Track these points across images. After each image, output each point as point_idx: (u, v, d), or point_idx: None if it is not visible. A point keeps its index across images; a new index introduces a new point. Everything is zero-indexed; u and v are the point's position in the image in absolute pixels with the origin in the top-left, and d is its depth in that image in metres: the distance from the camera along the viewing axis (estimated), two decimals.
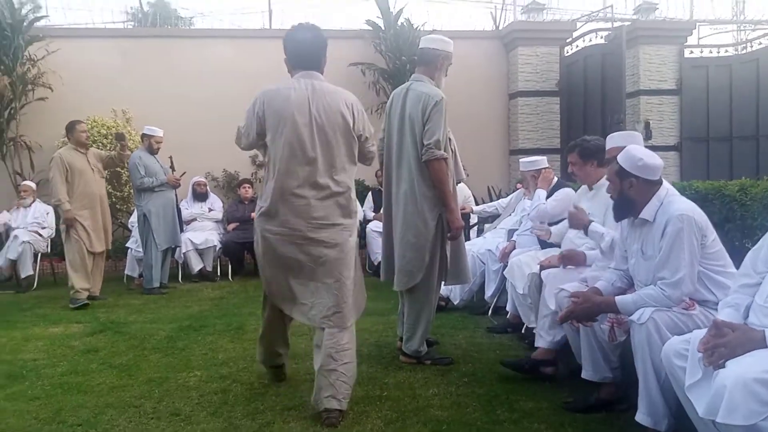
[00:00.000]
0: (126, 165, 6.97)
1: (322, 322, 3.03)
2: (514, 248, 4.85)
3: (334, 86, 3.15)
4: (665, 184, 2.93)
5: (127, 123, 8.29)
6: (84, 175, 6.21)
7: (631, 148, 2.93)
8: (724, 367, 2.05)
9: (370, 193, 8.25)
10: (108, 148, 7.73)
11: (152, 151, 6.83)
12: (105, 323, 5.30)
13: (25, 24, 8.10)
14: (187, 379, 3.75)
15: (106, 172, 7.22)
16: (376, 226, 7.36)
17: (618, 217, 3.02)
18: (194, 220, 7.67)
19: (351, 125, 3.09)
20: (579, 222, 3.58)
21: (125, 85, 8.54)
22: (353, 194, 3.17)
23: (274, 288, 3.16)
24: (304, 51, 3.13)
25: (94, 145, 7.52)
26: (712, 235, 2.79)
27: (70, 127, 6.35)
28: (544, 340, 3.66)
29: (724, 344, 2.09)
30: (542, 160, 5.10)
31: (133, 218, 7.38)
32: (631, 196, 2.88)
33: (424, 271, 3.80)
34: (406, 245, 3.80)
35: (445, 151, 3.69)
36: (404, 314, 4.02)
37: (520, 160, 5.33)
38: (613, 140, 3.59)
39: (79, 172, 6.18)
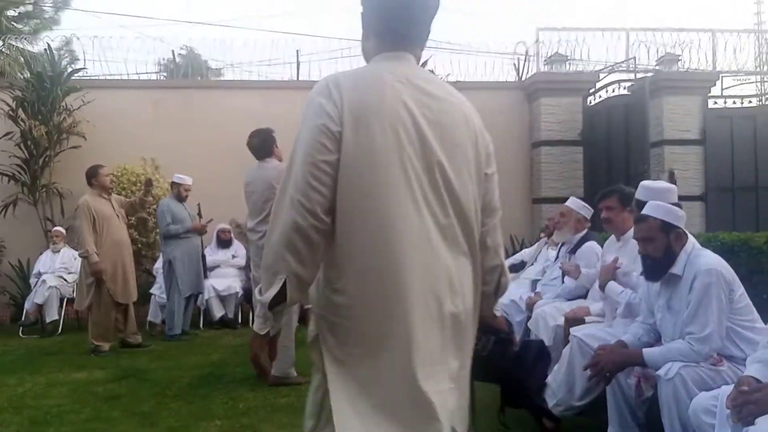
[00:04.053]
0: (146, 209, 7.03)
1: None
2: (540, 299, 4.79)
3: (270, 164, 4.87)
4: (690, 237, 2.91)
5: (155, 171, 8.46)
6: (111, 221, 6.10)
7: (657, 203, 2.92)
8: (753, 424, 2.00)
9: None
10: (137, 195, 7.86)
11: (181, 199, 6.95)
12: (127, 369, 5.33)
13: (64, 76, 8.44)
14: (207, 428, 3.74)
15: (131, 218, 7.33)
16: None
17: (657, 276, 2.91)
18: (218, 266, 7.73)
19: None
20: (606, 274, 3.54)
21: (155, 133, 8.73)
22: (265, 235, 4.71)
23: None
24: (256, 151, 5.08)
25: (123, 192, 7.68)
26: (740, 289, 2.76)
27: (94, 172, 6.17)
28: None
29: (754, 401, 2.05)
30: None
31: (158, 264, 7.47)
32: (677, 250, 2.83)
33: None
34: None
35: None
36: None
37: (571, 198, 5.39)
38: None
39: (107, 219, 6.06)
